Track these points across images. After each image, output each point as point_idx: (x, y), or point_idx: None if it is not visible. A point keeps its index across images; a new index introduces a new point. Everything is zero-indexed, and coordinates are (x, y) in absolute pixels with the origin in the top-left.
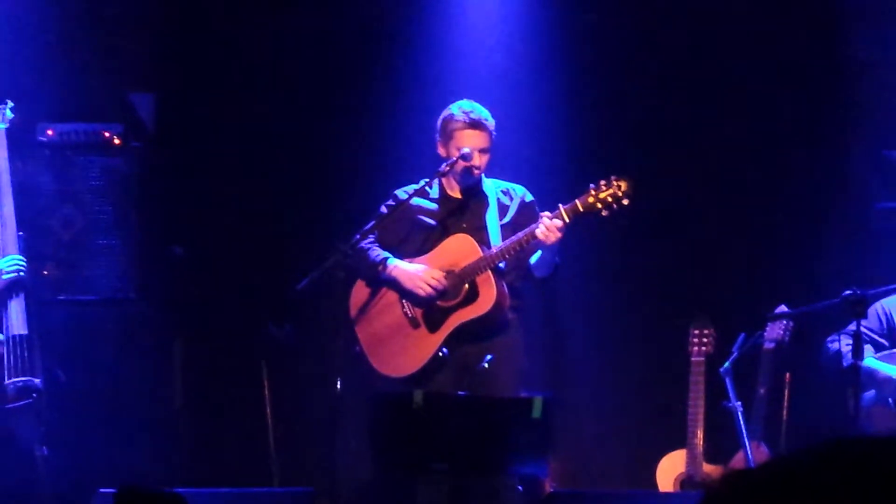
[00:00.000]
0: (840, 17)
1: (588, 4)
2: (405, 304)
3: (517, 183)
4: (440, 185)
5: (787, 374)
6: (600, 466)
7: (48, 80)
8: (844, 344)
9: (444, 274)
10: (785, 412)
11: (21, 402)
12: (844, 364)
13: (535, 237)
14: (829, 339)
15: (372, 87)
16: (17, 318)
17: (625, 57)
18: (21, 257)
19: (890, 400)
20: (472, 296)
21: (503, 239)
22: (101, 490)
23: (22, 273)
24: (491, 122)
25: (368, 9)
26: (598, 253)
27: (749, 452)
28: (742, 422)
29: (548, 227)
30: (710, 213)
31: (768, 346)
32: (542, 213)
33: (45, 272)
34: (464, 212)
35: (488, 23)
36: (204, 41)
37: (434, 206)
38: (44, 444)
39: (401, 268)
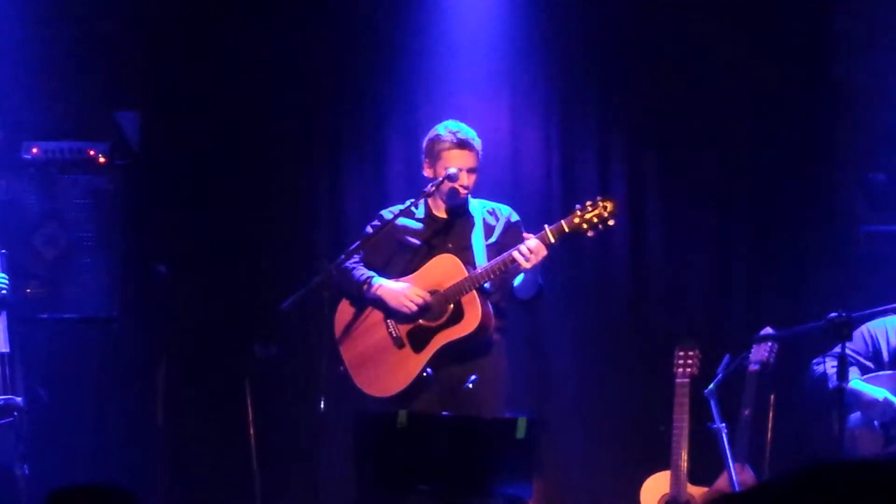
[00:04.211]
0: (826, 41)
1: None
2: (390, 324)
3: (503, 203)
4: (426, 205)
5: (772, 396)
6: (584, 487)
7: (34, 98)
8: (830, 366)
9: (429, 292)
10: (769, 434)
11: (2, 421)
12: (830, 386)
13: (515, 260)
14: (814, 361)
15: (358, 107)
16: None
17: (613, 82)
18: (4, 275)
19: (875, 422)
20: (457, 316)
21: (489, 259)
22: None
23: (5, 291)
24: (478, 142)
25: (354, 30)
26: (583, 274)
27: (733, 474)
28: (726, 443)
29: (529, 248)
30: (695, 235)
31: (753, 367)
32: (525, 236)
33: (29, 290)
34: (449, 232)
35: (475, 41)
36: (188, 60)
37: (420, 226)
38: (24, 462)
39: (386, 286)
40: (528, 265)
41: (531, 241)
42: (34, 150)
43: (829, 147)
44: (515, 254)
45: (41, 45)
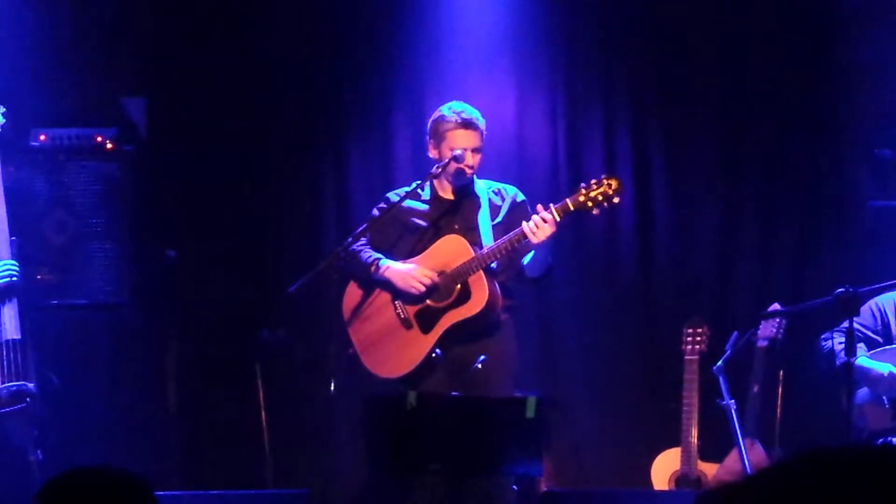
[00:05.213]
0: (833, 18)
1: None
2: (398, 306)
3: (508, 183)
4: (432, 186)
5: (781, 372)
6: (595, 465)
7: (40, 85)
8: (837, 342)
9: (436, 273)
10: (779, 410)
11: (15, 407)
12: (837, 362)
13: (525, 235)
14: (822, 337)
15: (364, 90)
16: (10, 322)
17: (617, 60)
18: (14, 262)
19: (884, 398)
20: (465, 296)
21: (495, 239)
22: None
23: (15, 278)
24: (482, 122)
25: (360, 14)
26: (591, 252)
27: (743, 450)
28: (736, 420)
29: (537, 223)
30: (703, 213)
31: (761, 344)
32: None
33: (39, 277)
34: (455, 213)
35: (478, 21)
36: (195, 45)
37: (426, 207)
38: (38, 448)
39: (393, 268)
40: (535, 240)
41: (538, 216)
42: (41, 138)
43: (836, 123)
44: (525, 227)
45: (47, 31)
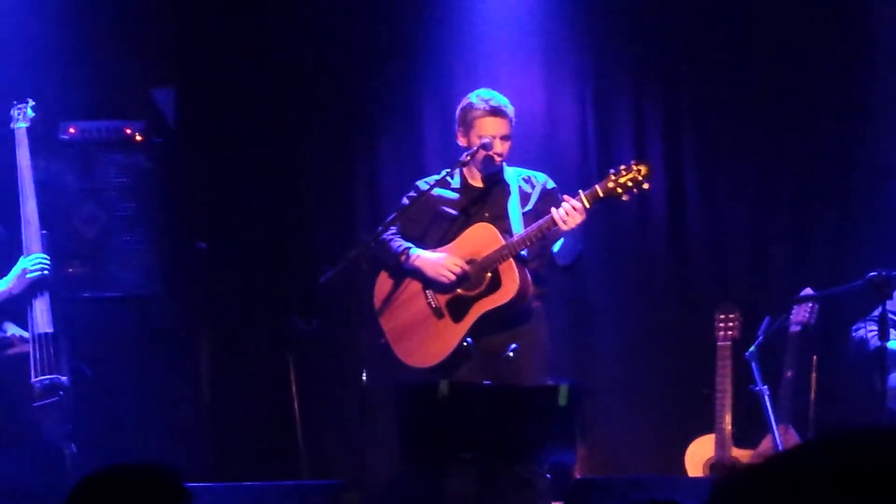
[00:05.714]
0: None
1: None
2: (429, 295)
3: (538, 170)
4: (461, 174)
5: (814, 357)
6: (629, 453)
7: (69, 78)
8: (868, 330)
9: (466, 262)
10: (813, 394)
11: (48, 400)
12: (870, 347)
13: (555, 223)
14: (853, 327)
15: (393, 78)
16: (42, 316)
17: (647, 45)
18: (45, 255)
19: None
20: (495, 284)
21: (525, 227)
22: None
23: (46, 271)
24: (510, 109)
25: (391, 1)
26: (622, 239)
27: (777, 436)
28: (769, 405)
29: (567, 210)
30: (734, 197)
31: (794, 328)
32: (565, 198)
33: (70, 270)
34: (485, 201)
35: (508, 7)
36: (223, 36)
37: (455, 195)
38: (72, 441)
39: (423, 257)
40: (565, 227)
41: (567, 204)
42: (71, 130)
43: (870, 104)
44: (554, 214)
45: (75, 23)
